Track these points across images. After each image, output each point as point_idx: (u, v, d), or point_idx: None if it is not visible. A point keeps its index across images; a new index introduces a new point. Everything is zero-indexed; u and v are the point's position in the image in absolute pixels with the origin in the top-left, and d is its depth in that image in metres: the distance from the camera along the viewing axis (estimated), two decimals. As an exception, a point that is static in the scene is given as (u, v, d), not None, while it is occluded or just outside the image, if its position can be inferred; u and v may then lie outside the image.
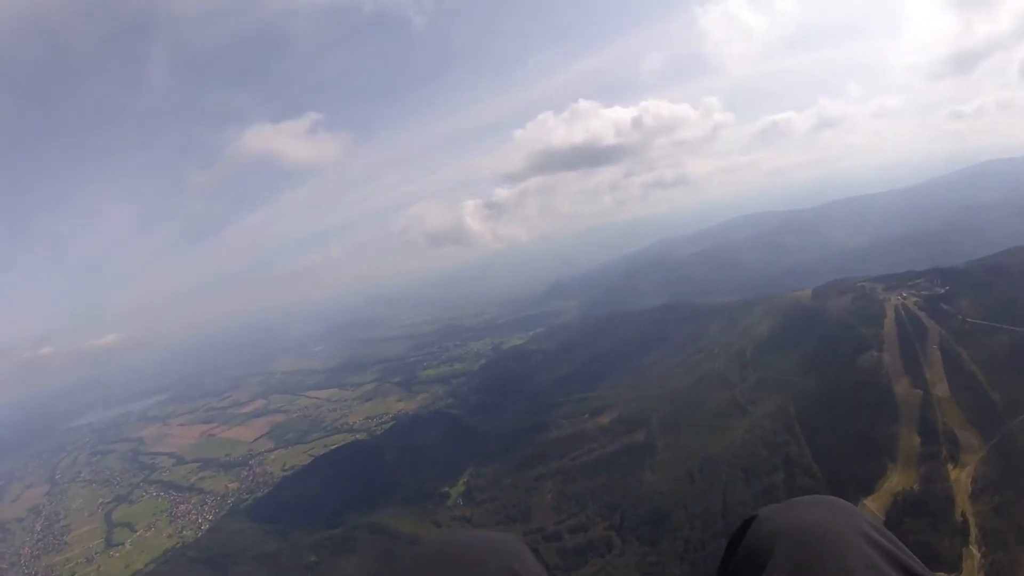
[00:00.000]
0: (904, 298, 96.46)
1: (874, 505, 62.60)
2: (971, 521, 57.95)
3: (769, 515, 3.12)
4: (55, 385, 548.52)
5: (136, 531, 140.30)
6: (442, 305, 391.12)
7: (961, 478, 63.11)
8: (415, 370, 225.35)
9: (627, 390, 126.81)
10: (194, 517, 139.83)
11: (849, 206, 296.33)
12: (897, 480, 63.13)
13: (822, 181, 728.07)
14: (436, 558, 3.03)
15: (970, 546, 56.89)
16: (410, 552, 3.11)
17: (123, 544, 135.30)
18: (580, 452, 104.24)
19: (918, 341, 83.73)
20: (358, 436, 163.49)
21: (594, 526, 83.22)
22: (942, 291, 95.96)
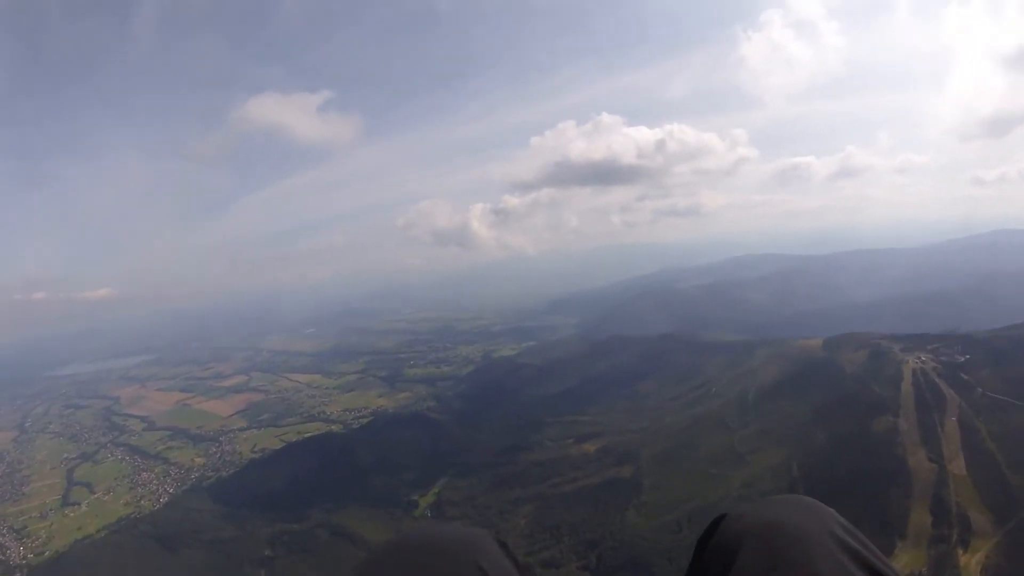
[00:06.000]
0: (923, 362, 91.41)
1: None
2: (981, 617, 52.94)
3: (738, 514, 3.13)
4: (43, 331, 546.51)
5: (95, 493, 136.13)
6: (439, 305, 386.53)
7: (971, 564, 57.92)
8: (402, 367, 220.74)
9: (618, 419, 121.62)
10: (155, 487, 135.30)
11: (860, 258, 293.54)
12: (907, 561, 57.70)
13: (832, 230, 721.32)
14: (402, 552, 3.07)
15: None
16: (377, 546, 3.12)
17: (79, 504, 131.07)
18: (562, 479, 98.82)
19: (936, 410, 78.60)
20: (333, 427, 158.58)
21: (567, 563, 77.61)
22: (962, 359, 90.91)
